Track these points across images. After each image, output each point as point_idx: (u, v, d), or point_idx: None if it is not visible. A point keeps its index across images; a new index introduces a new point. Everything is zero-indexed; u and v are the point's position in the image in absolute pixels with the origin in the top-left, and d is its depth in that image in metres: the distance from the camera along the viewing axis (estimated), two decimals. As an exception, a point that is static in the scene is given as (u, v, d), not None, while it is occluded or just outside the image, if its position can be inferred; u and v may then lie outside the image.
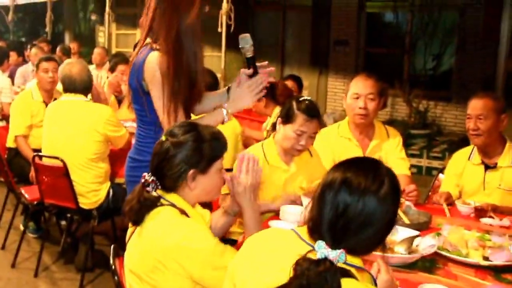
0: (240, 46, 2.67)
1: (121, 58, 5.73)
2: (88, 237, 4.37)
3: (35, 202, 4.45)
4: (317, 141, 3.45)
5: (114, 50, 12.90)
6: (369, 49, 10.99)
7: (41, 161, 4.30)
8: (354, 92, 3.53)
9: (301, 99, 3.20)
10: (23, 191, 4.62)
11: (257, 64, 2.69)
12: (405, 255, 2.38)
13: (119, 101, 5.76)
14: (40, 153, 4.34)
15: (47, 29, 12.07)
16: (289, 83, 5.34)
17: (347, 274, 1.53)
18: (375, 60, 10.79)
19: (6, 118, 6.05)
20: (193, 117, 2.81)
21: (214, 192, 2.31)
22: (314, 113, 3.14)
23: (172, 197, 2.18)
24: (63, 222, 5.06)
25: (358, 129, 3.62)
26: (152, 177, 2.17)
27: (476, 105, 3.45)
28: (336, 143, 3.58)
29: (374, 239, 1.65)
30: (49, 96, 5.21)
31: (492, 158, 3.49)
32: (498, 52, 9.18)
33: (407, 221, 2.82)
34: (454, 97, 9.60)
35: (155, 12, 2.62)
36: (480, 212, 3.09)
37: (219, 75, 5.66)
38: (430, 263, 2.40)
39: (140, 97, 2.66)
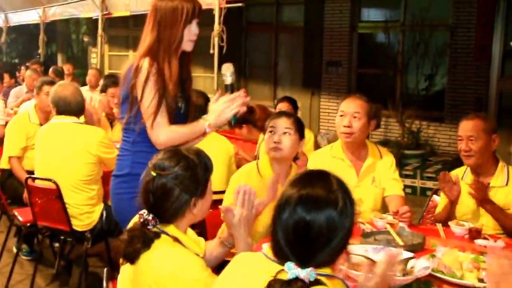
0: (222, 72, 2.88)
1: (111, 81, 5.74)
2: (82, 259, 4.33)
3: (28, 224, 4.42)
4: (311, 162, 3.45)
5: (107, 71, 12.91)
6: (361, 69, 11.04)
7: (34, 183, 4.27)
8: (341, 110, 3.58)
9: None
10: (16, 213, 4.59)
11: (235, 92, 2.85)
12: (399, 277, 2.37)
13: (111, 122, 5.76)
14: (33, 175, 4.32)
15: (40, 50, 12.10)
16: (284, 105, 5.32)
17: (318, 282, 1.58)
18: (368, 81, 10.82)
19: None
20: (173, 127, 2.86)
21: (207, 209, 2.33)
22: (282, 112, 3.27)
23: (169, 228, 2.18)
24: (57, 244, 5.01)
25: (350, 150, 3.63)
26: (150, 215, 2.16)
27: (466, 127, 3.47)
28: (330, 164, 3.57)
29: (339, 248, 1.68)
30: (46, 118, 5.16)
31: (485, 178, 3.49)
32: (490, 72, 9.23)
33: (401, 243, 2.82)
34: (447, 118, 9.63)
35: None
36: (474, 233, 3.09)
37: (211, 96, 5.65)
38: (425, 285, 2.39)
39: (127, 104, 2.84)
